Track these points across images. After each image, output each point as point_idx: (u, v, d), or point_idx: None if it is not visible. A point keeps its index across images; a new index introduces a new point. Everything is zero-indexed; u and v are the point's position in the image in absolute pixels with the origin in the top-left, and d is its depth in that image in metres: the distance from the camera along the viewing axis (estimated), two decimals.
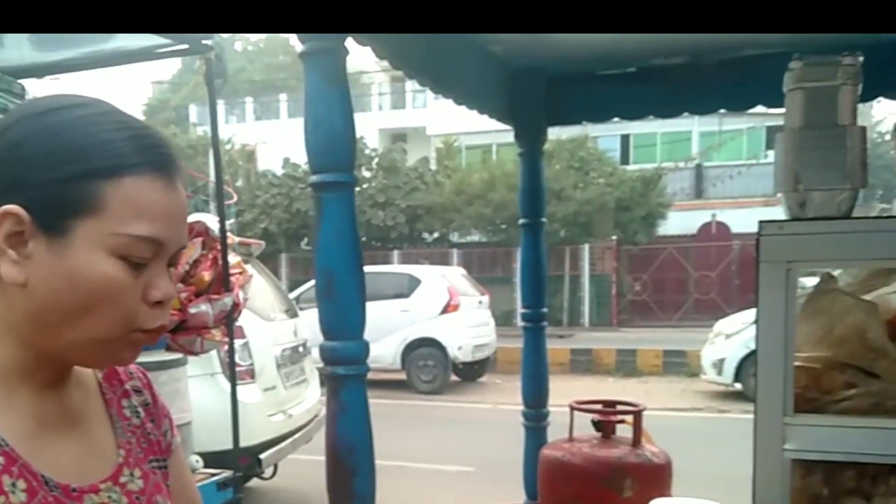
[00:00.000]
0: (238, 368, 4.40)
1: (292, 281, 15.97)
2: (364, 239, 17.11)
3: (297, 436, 5.50)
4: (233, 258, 3.94)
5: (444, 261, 17.25)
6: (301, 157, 20.83)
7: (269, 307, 5.97)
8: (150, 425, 0.92)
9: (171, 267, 0.79)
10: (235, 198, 4.55)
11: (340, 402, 1.43)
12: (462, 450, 7.16)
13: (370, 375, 1.53)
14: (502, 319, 15.26)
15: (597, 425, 2.31)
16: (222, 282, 3.70)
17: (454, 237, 20.29)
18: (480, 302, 11.93)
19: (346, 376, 1.42)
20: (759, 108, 2.44)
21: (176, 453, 0.95)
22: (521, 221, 2.40)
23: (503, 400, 10.09)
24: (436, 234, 20.13)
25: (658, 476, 2.18)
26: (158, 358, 3.46)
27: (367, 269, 1.49)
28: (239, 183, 19.53)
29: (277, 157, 21.58)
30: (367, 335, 1.47)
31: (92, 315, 0.73)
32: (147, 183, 0.74)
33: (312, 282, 11.79)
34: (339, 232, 1.33)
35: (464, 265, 15.95)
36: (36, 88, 3.17)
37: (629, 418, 2.31)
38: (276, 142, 24.69)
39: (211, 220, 3.84)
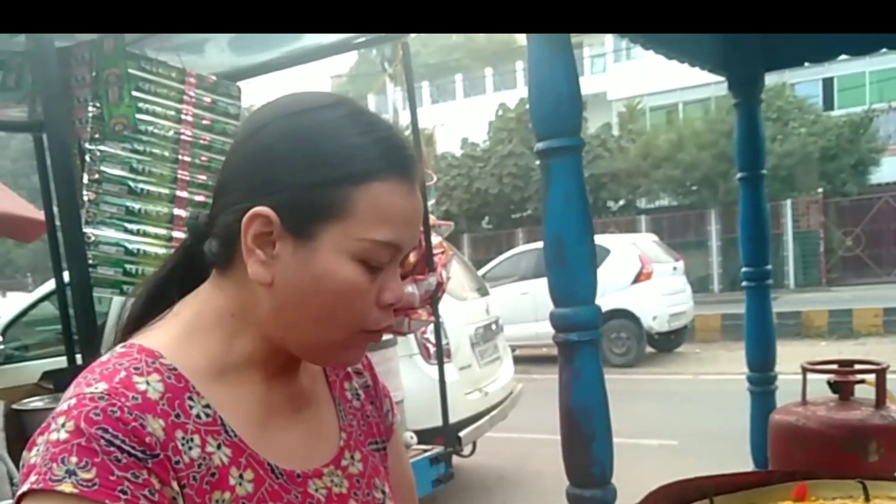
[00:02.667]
0: (435, 348, 4.54)
1: (474, 261, 16.27)
2: None
3: (493, 413, 5.57)
4: (434, 238, 4.04)
5: (631, 228, 16.84)
6: (479, 136, 21.14)
7: (460, 287, 6.04)
8: (370, 407, 0.93)
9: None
10: (435, 178, 4.66)
11: (574, 369, 1.41)
12: (663, 423, 6.95)
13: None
14: (698, 285, 14.67)
15: (833, 387, 2.15)
16: (426, 262, 3.81)
17: (641, 203, 19.70)
18: (675, 268, 11.49)
19: (580, 342, 1.39)
20: None
21: (396, 434, 0.97)
22: (738, 176, 2.24)
23: (704, 370, 9.72)
24: (621, 202, 19.65)
25: None
26: None
27: None
28: None
29: (455, 138, 21.95)
30: None
31: (329, 317, 0.75)
32: (392, 188, 0.74)
33: (496, 260, 11.93)
34: (568, 197, 1.31)
35: (654, 231, 15.43)
36: None
37: (870, 378, 2.13)
38: (454, 123, 25.11)
39: None
